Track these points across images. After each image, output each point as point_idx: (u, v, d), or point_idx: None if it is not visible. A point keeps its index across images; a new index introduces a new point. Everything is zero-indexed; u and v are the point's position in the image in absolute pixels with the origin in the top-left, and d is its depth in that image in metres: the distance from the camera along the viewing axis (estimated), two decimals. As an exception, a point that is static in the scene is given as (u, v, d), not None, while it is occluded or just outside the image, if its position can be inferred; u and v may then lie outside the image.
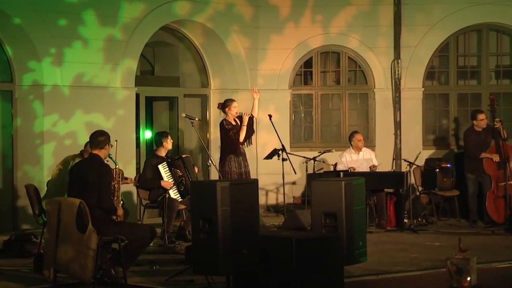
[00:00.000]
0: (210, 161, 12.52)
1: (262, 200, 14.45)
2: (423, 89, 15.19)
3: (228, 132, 12.07)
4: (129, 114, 13.49)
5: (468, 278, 7.77)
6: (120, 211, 9.25)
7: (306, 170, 13.26)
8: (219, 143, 12.60)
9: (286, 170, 12.83)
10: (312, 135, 15.50)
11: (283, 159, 12.79)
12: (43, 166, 12.60)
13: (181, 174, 11.40)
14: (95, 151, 8.82)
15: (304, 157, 13.48)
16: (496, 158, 12.95)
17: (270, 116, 12.77)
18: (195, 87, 15.18)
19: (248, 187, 8.06)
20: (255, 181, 8.33)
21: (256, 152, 13.02)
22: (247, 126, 12.15)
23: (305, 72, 15.56)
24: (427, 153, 14.79)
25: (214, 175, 13.36)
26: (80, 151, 10.89)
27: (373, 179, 12.42)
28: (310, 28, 15.11)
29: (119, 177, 9.76)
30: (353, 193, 8.66)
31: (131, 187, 12.47)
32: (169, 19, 14.04)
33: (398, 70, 15.00)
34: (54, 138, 12.72)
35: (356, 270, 8.93)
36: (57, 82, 12.71)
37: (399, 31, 14.97)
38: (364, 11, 15.08)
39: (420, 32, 15.01)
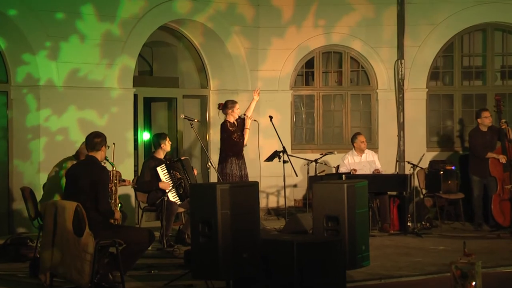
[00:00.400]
0: (209, 163, 12.48)
1: (262, 203, 14.43)
2: (427, 89, 15.09)
3: (232, 135, 12.10)
4: (125, 112, 13.36)
5: (473, 283, 7.70)
6: (117, 214, 9.16)
7: (308, 173, 13.25)
8: (218, 145, 12.59)
9: (287, 173, 12.78)
10: (313, 137, 15.40)
11: (284, 161, 12.75)
12: (33, 161, 12.49)
13: (180, 176, 11.38)
14: (92, 153, 8.78)
15: (305, 159, 13.45)
16: (503, 159, 12.86)
17: (271, 117, 12.79)
18: (194, 88, 15.12)
19: (248, 189, 8.09)
20: (256, 184, 8.33)
21: (258, 154, 12.91)
22: (238, 126, 12.18)
23: (306, 72, 15.48)
24: (431, 155, 14.71)
25: (214, 177, 13.29)
26: (76, 152, 10.79)
27: (376, 182, 12.35)
28: (311, 28, 15.04)
29: (116, 180, 9.63)
30: (356, 196, 8.67)
31: (129, 190, 12.43)
32: (169, 17, 13.99)
33: (401, 71, 14.89)
34: (46, 133, 12.60)
35: (359, 275, 8.93)
36: (52, 77, 12.59)
37: (403, 31, 14.86)
38: (367, 11, 14.98)
39: (424, 31, 14.92)
